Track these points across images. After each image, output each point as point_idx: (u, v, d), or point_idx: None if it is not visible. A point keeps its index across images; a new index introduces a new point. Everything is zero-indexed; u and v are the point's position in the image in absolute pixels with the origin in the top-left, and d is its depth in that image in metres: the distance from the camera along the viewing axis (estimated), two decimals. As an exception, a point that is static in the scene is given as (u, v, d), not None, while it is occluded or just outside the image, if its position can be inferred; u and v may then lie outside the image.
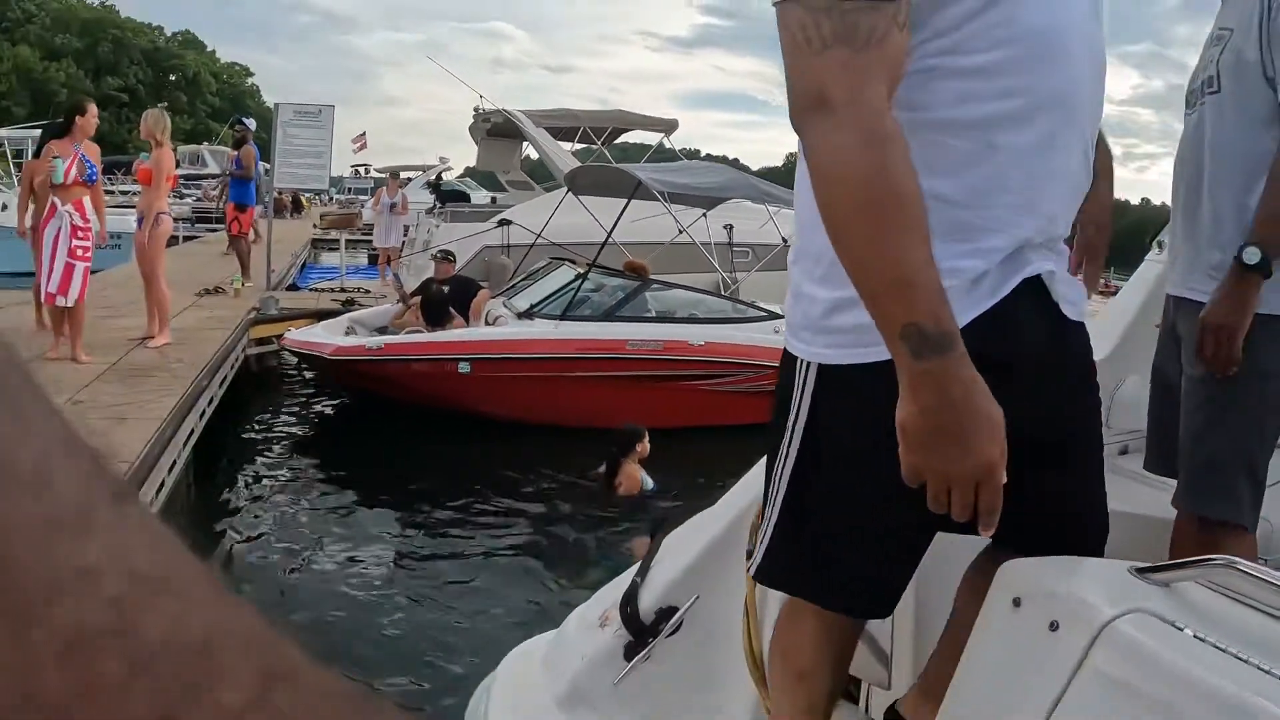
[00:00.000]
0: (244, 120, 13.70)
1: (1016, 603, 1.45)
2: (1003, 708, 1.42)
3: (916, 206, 1.21)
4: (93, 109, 7.64)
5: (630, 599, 2.45)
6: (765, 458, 1.74)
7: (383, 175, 46.12)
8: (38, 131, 20.73)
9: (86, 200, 7.21)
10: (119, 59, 77.57)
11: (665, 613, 2.40)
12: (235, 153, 13.31)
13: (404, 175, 15.62)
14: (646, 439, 6.63)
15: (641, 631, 2.41)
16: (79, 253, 7.05)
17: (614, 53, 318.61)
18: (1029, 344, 1.50)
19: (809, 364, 1.58)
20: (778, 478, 1.66)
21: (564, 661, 2.59)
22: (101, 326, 8.07)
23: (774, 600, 1.95)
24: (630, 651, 2.42)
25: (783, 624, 1.81)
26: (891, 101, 1.25)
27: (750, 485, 2.33)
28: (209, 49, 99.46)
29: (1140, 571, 1.38)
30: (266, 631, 0.25)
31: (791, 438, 1.63)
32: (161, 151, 8.06)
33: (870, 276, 1.25)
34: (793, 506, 1.65)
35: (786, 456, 1.64)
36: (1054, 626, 1.35)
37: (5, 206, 18.19)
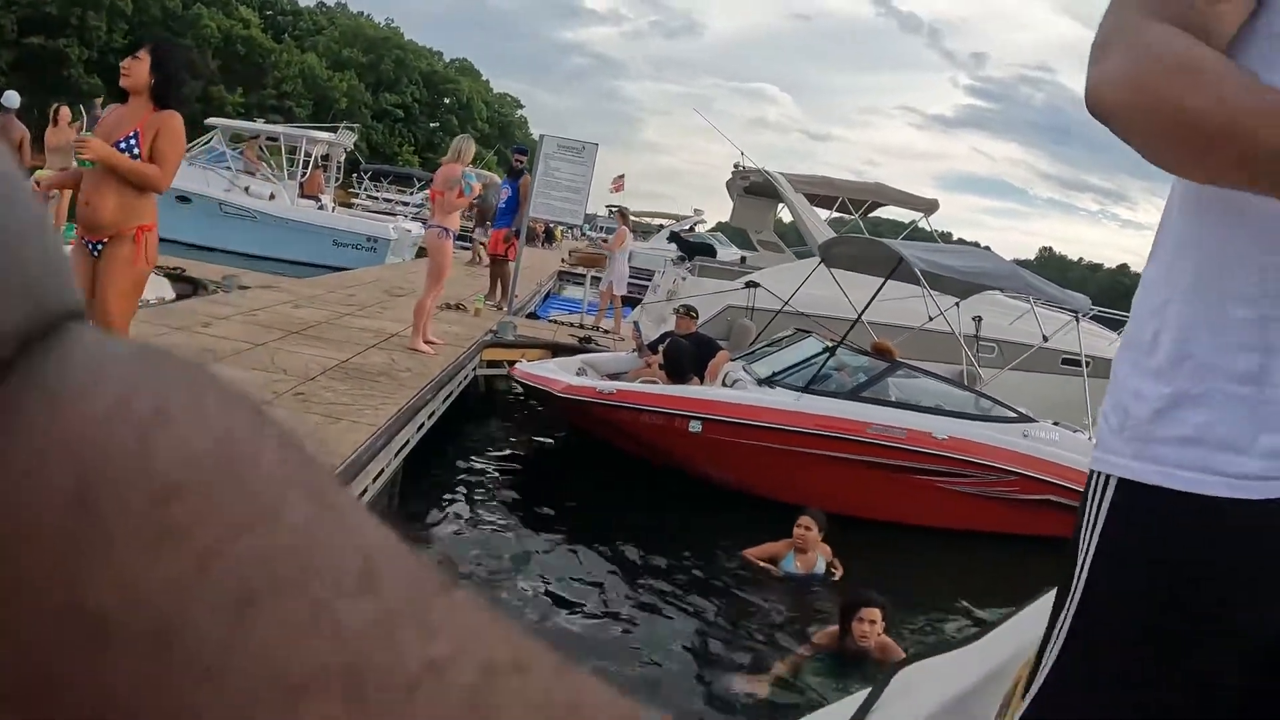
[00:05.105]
0: (524, 150, 14.18)
1: None
2: None
3: None
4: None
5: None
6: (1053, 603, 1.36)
7: (641, 220, 47.15)
8: (314, 131, 22.32)
9: None
10: (399, 77, 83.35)
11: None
12: (508, 181, 13.90)
13: (657, 222, 15.57)
14: (812, 528, 6.17)
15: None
16: None
17: (876, 124, 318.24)
18: None
19: (1106, 479, 1.20)
20: (1055, 634, 1.27)
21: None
22: (341, 325, 8.28)
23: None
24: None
25: None
26: None
27: (1017, 632, 1.91)
28: (483, 78, 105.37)
29: None
30: (628, 704, 0.24)
31: (1076, 585, 1.24)
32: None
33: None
34: (1065, 679, 1.24)
35: (1068, 610, 1.25)
36: None
37: (273, 196, 19.51)
